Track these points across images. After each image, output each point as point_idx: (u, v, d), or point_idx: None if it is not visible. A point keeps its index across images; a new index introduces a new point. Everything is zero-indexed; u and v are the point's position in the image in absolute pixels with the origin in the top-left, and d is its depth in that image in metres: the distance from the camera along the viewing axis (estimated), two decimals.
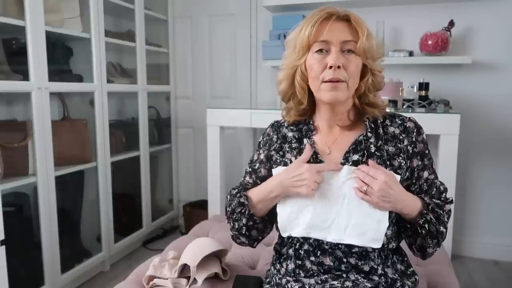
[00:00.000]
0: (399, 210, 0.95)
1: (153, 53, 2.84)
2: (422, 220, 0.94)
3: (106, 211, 2.31)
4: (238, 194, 1.08)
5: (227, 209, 1.10)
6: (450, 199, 1.03)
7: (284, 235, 1.01)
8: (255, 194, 1.05)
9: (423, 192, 1.01)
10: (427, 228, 0.94)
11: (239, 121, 2.35)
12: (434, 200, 0.99)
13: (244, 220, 1.06)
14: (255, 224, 1.07)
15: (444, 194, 1.02)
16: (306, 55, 0.98)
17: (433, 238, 0.96)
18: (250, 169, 1.14)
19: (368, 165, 0.95)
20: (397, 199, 0.92)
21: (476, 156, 2.50)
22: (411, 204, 0.95)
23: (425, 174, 1.01)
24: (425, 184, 1.01)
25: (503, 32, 2.36)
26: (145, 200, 2.68)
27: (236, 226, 1.08)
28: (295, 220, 0.98)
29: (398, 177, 0.96)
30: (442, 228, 0.96)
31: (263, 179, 1.09)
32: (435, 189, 1.01)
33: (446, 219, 0.98)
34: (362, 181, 0.92)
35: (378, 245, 0.94)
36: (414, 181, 1.01)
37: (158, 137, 2.96)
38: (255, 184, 1.11)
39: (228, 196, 1.12)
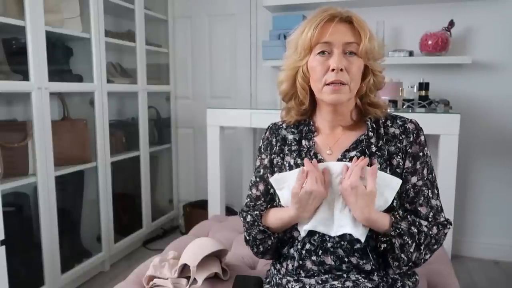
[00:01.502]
0: (359, 220, 0.93)
1: (153, 53, 2.84)
2: (384, 240, 0.93)
3: (106, 211, 2.31)
4: (256, 223, 1.07)
5: (247, 237, 1.11)
6: (444, 220, 0.98)
7: (302, 231, 0.99)
8: (274, 224, 1.04)
9: (409, 200, 0.98)
10: (387, 249, 0.94)
11: (239, 121, 2.35)
12: (418, 220, 0.95)
13: (269, 242, 1.06)
14: (279, 239, 1.07)
15: (432, 213, 0.97)
16: (308, 57, 0.98)
17: (394, 260, 0.95)
18: (257, 178, 1.12)
19: (371, 164, 0.95)
20: (354, 207, 0.92)
21: (476, 156, 2.50)
22: (372, 222, 0.93)
23: (414, 179, 0.98)
24: (411, 190, 0.98)
25: (503, 32, 2.36)
26: (145, 200, 2.68)
27: (261, 249, 1.09)
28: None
29: (395, 179, 0.95)
30: (403, 256, 0.93)
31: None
32: (422, 198, 0.97)
33: (414, 249, 0.93)
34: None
35: (362, 238, 0.93)
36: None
37: (158, 137, 2.96)
38: (265, 193, 1.10)
39: (242, 221, 1.12)
